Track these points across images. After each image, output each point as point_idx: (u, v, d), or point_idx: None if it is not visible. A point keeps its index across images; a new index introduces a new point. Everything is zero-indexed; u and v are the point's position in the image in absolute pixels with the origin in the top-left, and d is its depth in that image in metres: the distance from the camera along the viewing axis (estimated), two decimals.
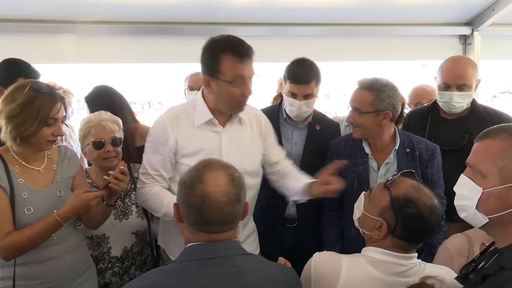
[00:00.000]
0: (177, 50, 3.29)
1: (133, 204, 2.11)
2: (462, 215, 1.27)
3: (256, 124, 2.01)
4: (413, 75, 5.31)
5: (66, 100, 3.21)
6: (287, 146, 2.43)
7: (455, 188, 1.29)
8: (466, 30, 3.62)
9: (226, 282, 1.19)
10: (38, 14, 3.00)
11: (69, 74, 4.18)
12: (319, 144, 2.41)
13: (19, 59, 2.51)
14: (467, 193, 1.23)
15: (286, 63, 2.45)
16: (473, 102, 2.40)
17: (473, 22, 3.57)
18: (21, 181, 1.66)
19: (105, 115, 2.09)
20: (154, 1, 2.98)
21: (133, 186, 2.12)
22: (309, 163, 2.35)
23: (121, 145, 2.10)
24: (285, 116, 2.46)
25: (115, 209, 2.06)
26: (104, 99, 2.46)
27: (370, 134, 2.14)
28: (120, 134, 2.09)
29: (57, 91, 1.74)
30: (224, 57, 1.73)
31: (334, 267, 1.40)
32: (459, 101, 2.33)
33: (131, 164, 2.21)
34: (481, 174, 1.19)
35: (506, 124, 1.28)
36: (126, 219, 2.08)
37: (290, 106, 2.36)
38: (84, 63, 3.35)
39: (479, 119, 2.33)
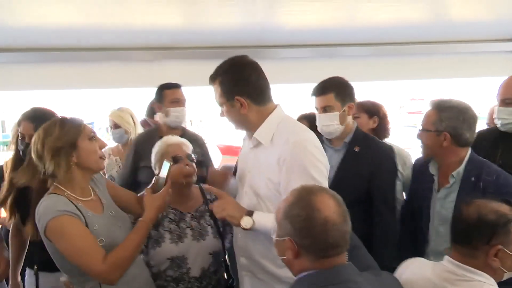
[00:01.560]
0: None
1: (208, 225, 2.15)
2: None
3: (281, 151, 1.76)
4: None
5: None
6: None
7: None
8: None
9: None
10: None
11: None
12: (357, 168, 2.28)
13: None
14: None
15: None
16: None
17: None
18: (90, 213, 1.71)
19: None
20: (208, 27, 3.09)
21: (206, 208, 2.17)
22: (340, 189, 1.96)
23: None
24: (323, 138, 2.41)
25: (192, 230, 2.10)
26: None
27: (433, 154, 2.15)
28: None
29: None
30: None
31: None
32: (504, 117, 2.26)
33: (201, 184, 2.22)
34: None
35: None
36: (203, 240, 2.11)
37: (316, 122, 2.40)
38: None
39: None
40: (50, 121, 1.73)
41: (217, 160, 4.12)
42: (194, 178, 2.11)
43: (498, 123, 2.30)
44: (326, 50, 3.50)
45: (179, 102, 2.87)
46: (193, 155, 2.15)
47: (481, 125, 2.95)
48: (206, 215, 2.15)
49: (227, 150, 14.27)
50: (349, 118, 2.38)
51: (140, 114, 3.68)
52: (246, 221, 1.74)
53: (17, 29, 2.85)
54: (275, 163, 1.75)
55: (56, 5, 2.49)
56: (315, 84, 2.42)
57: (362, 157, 2.31)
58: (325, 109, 2.34)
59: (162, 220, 2.08)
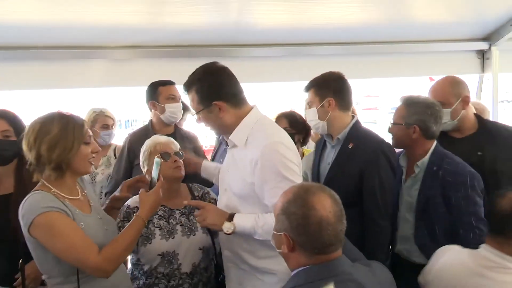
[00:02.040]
0: None
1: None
2: None
3: (254, 153, 1.82)
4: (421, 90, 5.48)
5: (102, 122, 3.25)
6: (322, 167, 2.38)
7: None
8: (483, 45, 3.77)
9: None
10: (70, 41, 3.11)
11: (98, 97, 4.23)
12: (347, 166, 2.21)
13: None
14: None
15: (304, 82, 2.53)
16: (480, 118, 2.46)
17: (490, 38, 3.72)
18: (77, 210, 1.70)
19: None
20: (180, 26, 3.10)
21: None
22: (333, 186, 1.94)
23: None
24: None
25: (182, 226, 2.13)
26: None
27: (402, 146, 2.29)
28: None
29: None
30: None
31: None
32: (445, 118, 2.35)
33: (191, 184, 2.31)
34: None
35: None
36: (193, 235, 2.14)
37: None
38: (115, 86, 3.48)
39: (489, 135, 2.37)
40: (52, 115, 1.69)
41: None
42: (182, 173, 2.15)
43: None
44: (288, 49, 3.56)
45: (174, 98, 2.87)
46: (181, 152, 2.19)
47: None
48: (195, 211, 2.14)
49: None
50: (336, 113, 2.27)
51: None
52: (227, 227, 1.81)
53: None
54: (248, 164, 1.83)
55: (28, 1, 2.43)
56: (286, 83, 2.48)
57: (354, 155, 2.22)
58: (308, 104, 2.37)
59: (151, 217, 2.10)
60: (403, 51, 3.75)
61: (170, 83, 2.92)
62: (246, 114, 1.90)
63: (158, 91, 2.88)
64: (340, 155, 2.27)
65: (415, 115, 2.19)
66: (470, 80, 4.03)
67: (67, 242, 1.58)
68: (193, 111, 1.94)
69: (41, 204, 1.59)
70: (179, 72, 3.14)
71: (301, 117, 2.76)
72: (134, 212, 2.06)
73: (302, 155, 2.49)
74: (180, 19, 2.99)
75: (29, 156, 1.65)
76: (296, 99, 3.72)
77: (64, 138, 1.65)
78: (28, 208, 1.60)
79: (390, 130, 2.30)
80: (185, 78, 1.93)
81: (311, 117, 2.34)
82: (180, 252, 2.09)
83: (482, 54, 3.83)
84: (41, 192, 1.65)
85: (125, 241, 1.69)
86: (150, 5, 2.85)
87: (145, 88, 2.95)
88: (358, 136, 2.26)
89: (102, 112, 3.38)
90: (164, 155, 2.11)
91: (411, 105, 2.22)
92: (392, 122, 2.28)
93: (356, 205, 2.17)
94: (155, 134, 2.59)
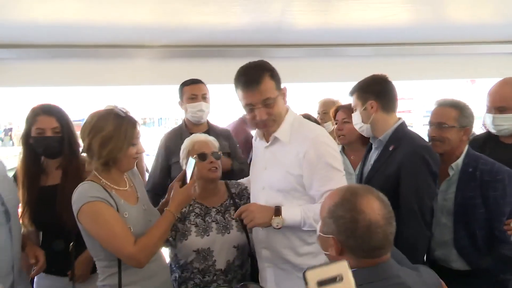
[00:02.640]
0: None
1: (233, 219, 2.20)
2: None
3: (301, 147, 1.90)
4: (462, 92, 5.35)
5: None
6: (365, 170, 2.37)
7: None
8: None
9: None
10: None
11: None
12: (388, 167, 2.15)
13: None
14: None
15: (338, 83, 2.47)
16: None
17: None
18: (122, 201, 1.81)
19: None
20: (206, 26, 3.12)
21: (231, 202, 2.25)
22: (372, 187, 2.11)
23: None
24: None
25: (217, 224, 2.17)
26: None
27: (449, 149, 2.22)
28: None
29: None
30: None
31: None
32: (500, 124, 2.30)
33: (228, 181, 2.35)
34: None
35: None
36: (228, 233, 2.17)
37: None
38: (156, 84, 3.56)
39: None
40: (110, 112, 1.80)
41: None
42: (219, 174, 2.19)
43: (493, 129, 2.36)
44: (324, 50, 3.56)
45: (196, 98, 2.88)
46: (219, 153, 2.23)
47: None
48: (231, 210, 2.22)
49: None
50: (379, 115, 2.23)
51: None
52: (276, 222, 1.85)
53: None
54: (294, 157, 1.89)
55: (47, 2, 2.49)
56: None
57: (393, 157, 2.16)
58: (353, 108, 2.36)
59: (188, 215, 2.17)
60: (444, 52, 3.69)
61: (193, 81, 2.94)
62: (286, 112, 2.00)
63: (182, 91, 2.94)
64: (380, 156, 2.24)
65: (468, 117, 2.20)
66: None
67: (108, 231, 1.70)
68: None
69: (88, 193, 1.73)
70: (212, 71, 3.27)
71: (315, 120, 2.91)
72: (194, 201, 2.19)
73: None
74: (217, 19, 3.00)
75: (84, 144, 1.80)
76: (313, 100, 3.68)
77: (116, 137, 1.76)
78: (78, 196, 1.74)
79: (440, 136, 2.22)
80: (221, 77, 1.98)
81: (356, 121, 2.34)
82: (214, 249, 2.13)
83: None
84: (90, 182, 1.79)
85: (157, 233, 1.79)
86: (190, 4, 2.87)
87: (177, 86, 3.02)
88: (400, 138, 2.20)
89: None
90: (201, 156, 2.16)
91: (462, 108, 2.21)
92: (445, 125, 2.20)
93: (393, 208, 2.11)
94: (189, 132, 2.68)
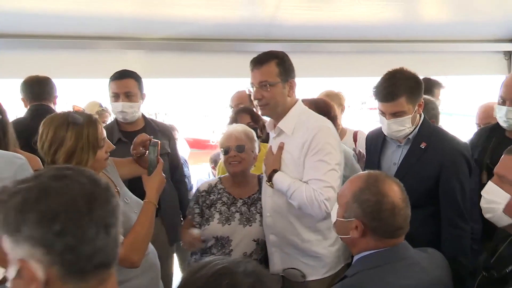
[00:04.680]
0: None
1: (258, 213, 2.23)
2: (487, 215, 1.53)
3: (304, 137, 1.96)
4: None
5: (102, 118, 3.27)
6: (385, 166, 2.21)
7: (483, 193, 1.54)
8: (510, 47, 3.79)
9: (421, 279, 1.38)
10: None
11: None
12: (422, 167, 2.03)
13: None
14: (495, 198, 1.49)
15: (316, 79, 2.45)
16: None
17: None
18: None
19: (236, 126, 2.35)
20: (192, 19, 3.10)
21: (260, 196, 2.26)
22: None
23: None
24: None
25: (241, 215, 2.21)
26: None
27: None
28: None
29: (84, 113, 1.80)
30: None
31: None
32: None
33: (261, 175, 2.33)
34: (510, 183, 1.44)
35: None
36: (249, 225, 2.20)
37: (381, 125, 2.15)
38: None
39: None
40: (65, 119, 1.66)
41: (186, 153, 4.13)
42: (241, 168, 2.21)
43: (504, 124, 2.21)
44: (305, 45, 3.54)
45: (116, 96, 2.50)
46: (245, 146, 2.21)
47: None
48: (258, 203, 2.24)
49: (194, 144, 14.20)
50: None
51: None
52: (268, 177, 2.05)
53: None
54: (297, 148, 1.98)
55: None
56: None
57: (429, 155, 2.04)
58: (395, 114, 2.04)
59: (216, 202, 2.23)
60: (427, 50, 3.75)
61: (116, 76, 2.53)
62: (294, 103, 2.08)
63: (108, 86, 2.57)
64: (411, 155, 2.09)
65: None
66: (495, 81, 4.02)
67: None
68: None
69: None
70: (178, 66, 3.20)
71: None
72: (202, 195, 2.24)
73: (259, 150, 2.46)
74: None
75: (46, 159, 1.68)
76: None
77: (79, 149, 1.65)
78: None
79: None
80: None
81: (403, 125, 2.04)
82: (234, 239, 2.16)
83: (510, 55, 3.86)
84: None
85: (143, 229, 1.72)
86: None
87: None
88: (431, 135, 2.08)
89: (106, 109, 3.43)
90: (225, 149, 2.22)
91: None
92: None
93: (425, 207, 2.02)
94: (119, 131, 2.53)
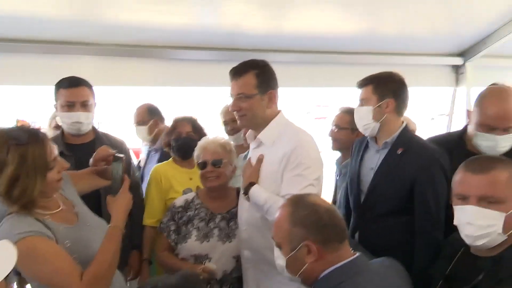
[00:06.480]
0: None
1: (238, 228, 2.15)
2: (479, 242, 1.43)
3: (284, 150, 1.92)
4: None
5: None
6: (364, 172, 2.19)
7: (473, 221, 1.42)
8: (458, 61, 3.95)
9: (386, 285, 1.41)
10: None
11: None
12: (397, 173, 2.01)
13: None
14: (487, 222, 1.40)
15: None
16: None
17: (465, 53, 3.91)
18: (62, 226, 1.55)
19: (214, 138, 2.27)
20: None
21: None
22: (377, 194, 2.07)
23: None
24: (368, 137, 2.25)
25: (220, 231, 2.13)
26: None
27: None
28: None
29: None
30: None
31: None
32: (505, 145, 1.99)
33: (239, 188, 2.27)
34: (500, 200, 1.39)
35: (493, 156, 1.64)
36: (229, 242, 2.13)
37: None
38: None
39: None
40: (4, 140, 1.44)
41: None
42: (219, 183, 2.15)
43: (489, 149, 2.00)
44: (246, 54, 3.28)
45: (72, 105, 2.28)
46: (222, 160, 2.15)
47: None
48: (237, 218, 2.16)
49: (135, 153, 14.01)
50: (391, 116, 2.09)
51: None
52: (245, 190, 1.98)
53: None
54: (276, 161, 1.93)
55: None
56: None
57: (405, 160, 2.02)
58: (361, 102, 2.16)
59: (193, 218, 2.14)
60: (378, 62, 3.75)
61: (71, 83, 2.30)
62: (275, 115, 2.02)
63: (58, 94, 2.33)
64: (387, 160, 2.08)
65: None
66: (444, 93, 4.18)
67: (46, 270, 1.43)
68: None
69: (17, 229, 1.42)
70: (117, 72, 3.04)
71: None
72: (178, 212, 2.15)
73: None
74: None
75: None
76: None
77: (24, 175, 1.44)
78: (4, 236, 1.38)
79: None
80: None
81: (363, 116, 2.13)
82: (213, 256, 2.08)
83: (457, 69, 4.03)
84: (17, 215, 1.47)
85: (107, 258, 1.53)
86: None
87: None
88: (409, 141, 2.08)
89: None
90: (201, 164, 2.16)
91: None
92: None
93: (402, 215, 2.03)
94: (64, 143, 2.32)
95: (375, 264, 1.48)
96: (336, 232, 1.40)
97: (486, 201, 1.41)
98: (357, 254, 1.44)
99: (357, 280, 1.35)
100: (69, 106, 2.27)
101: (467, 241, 1.46)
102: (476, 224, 1.41)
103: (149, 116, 3.37)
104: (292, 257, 1.41)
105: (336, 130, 2.71)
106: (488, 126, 1.97)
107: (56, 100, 2.34)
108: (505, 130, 1.95)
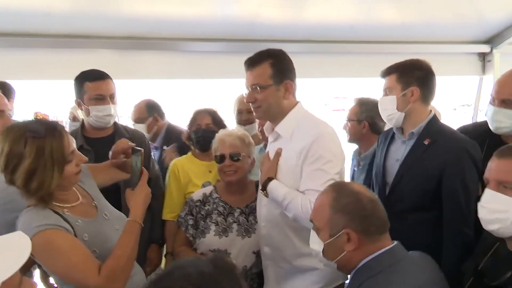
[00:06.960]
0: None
1: (257, 222, 2.10)
2: (492, 227, 1.40)
3: (303, 144, 1.84)
4: None
5: None
6: (389, 164, 2.12)
7: (484, 203, 1.41)
8: (485, 48, 3.81)
9: (421, 278, 1.36)
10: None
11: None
12: (426, 163, 1.93)
13: None
14: (500, 207, 1.36)
15: None
16: None
17: (492, 41, 3.77)
18: (79, 220, 1.53)
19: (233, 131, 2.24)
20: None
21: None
22: (403, 187, 1.98)
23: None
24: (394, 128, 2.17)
25: (239, 225, 2.08)
26: None
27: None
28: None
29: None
30: None
31: None
32: (501, 119, 1.98)
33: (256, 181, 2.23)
34: None
35: None
36: (248, 237, 2.09)
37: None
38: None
39: None
40: (22, 132, 1.42)
41: None
42: (237, 177, 2.11)
43: (492, 125, 2.04)
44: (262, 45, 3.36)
45: (103, 99, 2.27)
46: (241, 154, 2.12)
47: None
48: (256, 212, 2.11)
49: None
50: (417, 105, 2.01)
51: None
52: (263, 186, 1.91)
53: None
54: (295, 155, 1.84)
55: None
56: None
57: (432, 151, 1.93)
58: (386, 91, 2.09)
59: (211, 212, 2.10)
60: (400, 51, 3.62)
61: (99, 76, 2.29)
62: (292, 106, 1.93)
63: (83, 88, 2.28)
64: (414, 151, 2.00)
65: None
66: (467, 82, 4.05)
67: (64, 263, 1.42)
68: None
69: (35, 222, 1.42)
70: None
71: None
72: (196, 206, 2.11)
73: None
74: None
75: (5, 178, 1.46)
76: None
77: (41, 168, 1.42)
78: (23, 228, 1.40)
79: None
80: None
81: (387, 106, 2.06)
82: (232, 251, 2.04)
83: (483, 57, 3.89)
84: (35, 208, 1.47)
85: (125, 252, 1.50)
86: None
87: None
88: (437, 132, 1.99)
89: None
90: (219, 158, 2.12)
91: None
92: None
93: (429, 210, 1.94)
94: (84, 136, 2.31)
95: (412, 254, 1.45)
96: (378, 224, 1.38)
97: (503, 185, 1.38)
98: (395, 242, 1.41)
99: (395, 269, 1.34)
100: (99, 99, 2.25)
101: (482, 224, 1.44)
102: (488, 207, 1.40)
103: (148, 112, 3.29)
104: (331, 243, 1.40)
105: (346, 122, 2.75)
106: (491, 97, 2.04)
107: (81, 93, 2.29)
108: (503, 102, 1.97)
